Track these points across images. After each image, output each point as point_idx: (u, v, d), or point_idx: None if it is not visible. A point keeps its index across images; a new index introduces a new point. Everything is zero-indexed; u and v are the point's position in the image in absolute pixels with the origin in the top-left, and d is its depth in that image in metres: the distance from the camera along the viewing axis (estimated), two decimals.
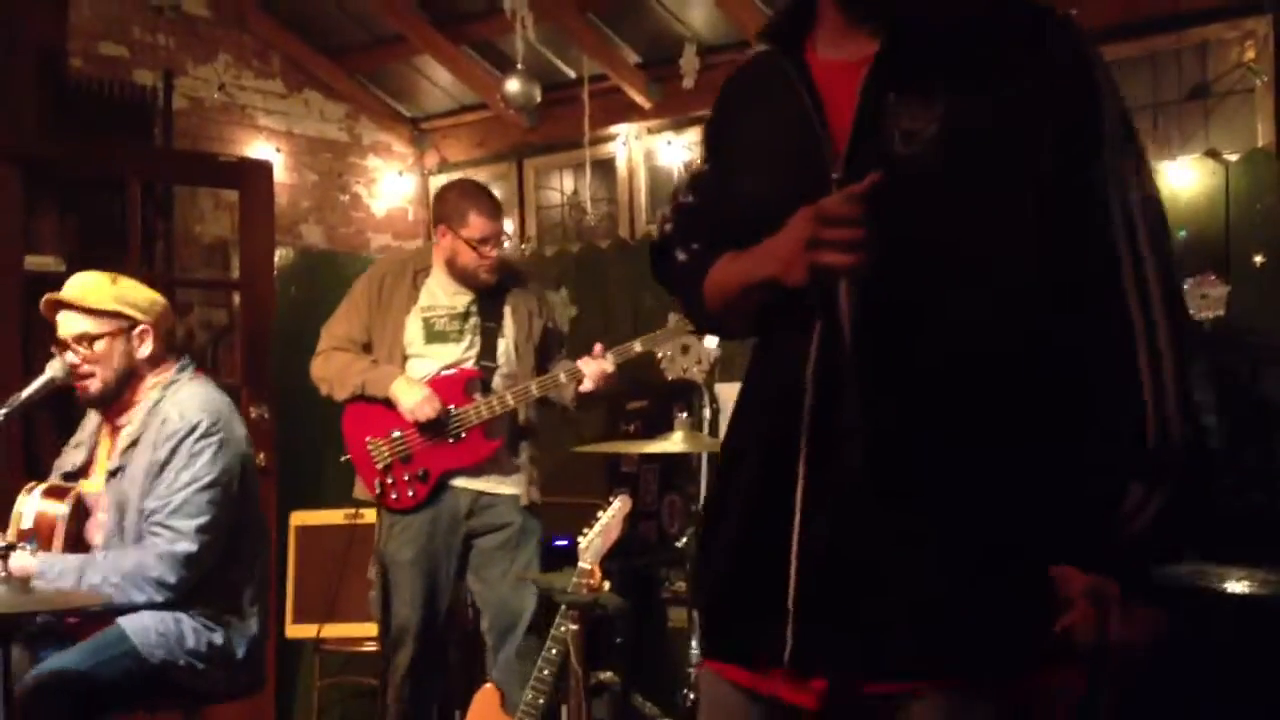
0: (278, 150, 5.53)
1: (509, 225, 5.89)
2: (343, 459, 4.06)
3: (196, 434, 3.02)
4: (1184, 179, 4.16)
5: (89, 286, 3.13)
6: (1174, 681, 2.52)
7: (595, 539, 3.39)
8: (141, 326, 3.13)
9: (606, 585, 3.35)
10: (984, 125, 1.48)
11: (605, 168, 5.70)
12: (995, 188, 1.50)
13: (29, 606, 2.53)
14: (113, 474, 3.09)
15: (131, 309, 3.13)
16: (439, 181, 6.10)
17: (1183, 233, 4.14)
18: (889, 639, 1.46)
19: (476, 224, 3.95)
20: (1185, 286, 4.02)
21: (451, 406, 3.89)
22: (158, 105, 5.18)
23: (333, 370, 4.04)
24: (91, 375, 3.08)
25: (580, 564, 3.37)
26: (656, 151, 5.52)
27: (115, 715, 2.97)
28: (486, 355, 4.00)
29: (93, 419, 3.30)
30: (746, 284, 1.57)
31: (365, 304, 4.08)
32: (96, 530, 3.12)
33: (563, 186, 5.95)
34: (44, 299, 3.15)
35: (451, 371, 3.96)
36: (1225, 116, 4.34)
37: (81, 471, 3.24)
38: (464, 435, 3.90)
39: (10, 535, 2.96)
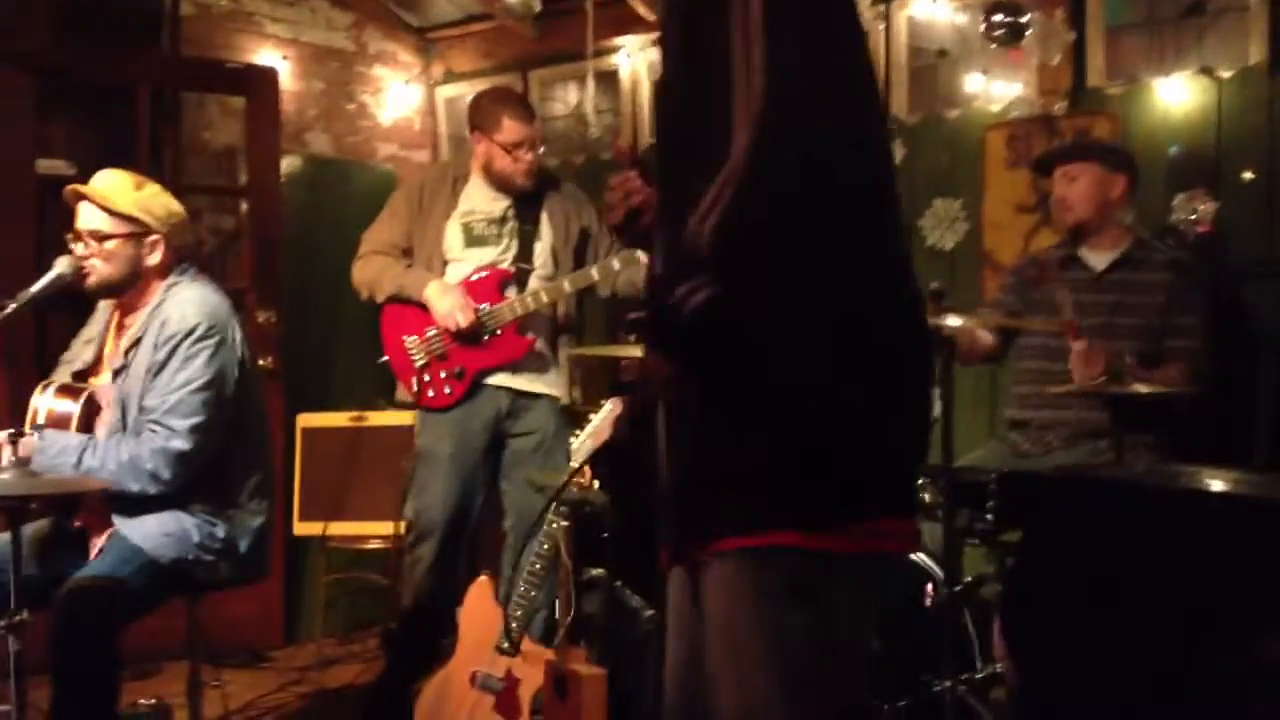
0: (284, 58, 5.57)
1: None
2: (381, 360, 4.15)
3: (194, 337, 3.11)
4: (1177, 96, 4.21)
5: (113, 186, 3.21)
6: (1150, 580, 2.61)
7: (586, 440, 3.47)
8: (154, 236, 3.21)
9: (595, 485, 3.46)
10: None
11: (609, 80, 5.74)
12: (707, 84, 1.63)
13: (35, 489, 2.65)
14: (116, 373, 3.20)
15: (148, 216, 3.20)
16: (445, 92, 6.15)
17: (1174, 149, 4.19)
18: (673, 523, 1.76)
19: (510, 128, 4.01)
20: (1175, 201, 4.09)
21: (485, 305, 3.98)
22: (165, 12, 5.22)
23: (370, 274, 4.13)
24: (93, 269, 3.17)
25: (571, 463, 3.47)
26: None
27: (140, 615, 3.09)
28: (523, 257, 4.07)
29: (101, 316, 3.40)
30: None
31: (406, 211, 4.15)
32: (103, 426, 3.24)
33: (567, 99, 5.99)
34: (68, 188, 3.22)
35: (486, 273, 4.03)
36: (1219, 34, 4.36)
37: (91, 369, 3.36)
38: (499, 333, 3.99)
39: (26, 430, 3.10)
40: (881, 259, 1.67)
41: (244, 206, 5.37)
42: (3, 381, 4.35)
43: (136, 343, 3.17)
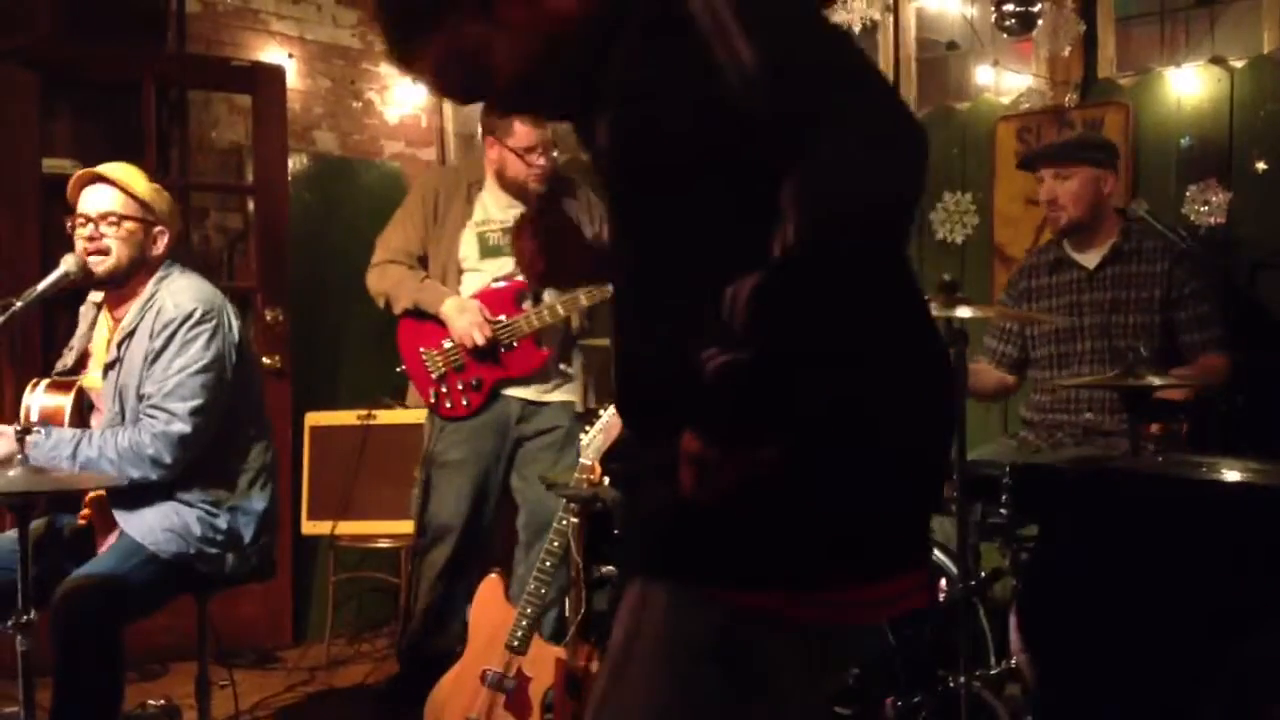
0: (290, 56, 5.55)
1: None
2: (399, 369, 4.15)
3: (190, 321, 3.13)
4: (1189, 86, 4.17)
5: (130, 172, 3.27)
6: (1168, 572, 2.58)
7: (596, 436, 3.46)
8: (160, 227, 3.26)
9: (605, 481, 3.44)
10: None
11: None
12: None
13: (44, 486, 2.64)
14: (110, 366, 3.20)
15: (157, 208, 3.26)
16: None
17: (1186, 140, 4.16)
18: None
19: (522, 132, 3.97)
20: (1187, 193, 4.06)
21: (502, 317, 3.97)
22: (171, 10, 5.20)
23: (388, 285, 4.12)
24: (106, 253, 3.18)
25: (581, 460, 3.45)
26: None
27: (143, 613, 3.08)
28: None
29: (85, 319, 3.42)
30: None
31: (420, 218, 4.13)
32: (99, 423, 3.23)
33: None
34: (81, 172, 3.25)
35: (502, 284, 4.01)
36: (1231, 23, 4.33)
37: (78, 367, 3.36)
38: (515, 345, 3.98)
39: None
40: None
41: (251, 205, 5.36)
42: (9, 380, 4.35)
43: (130, 335, 3.17)
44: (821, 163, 1.38)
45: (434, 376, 4.04)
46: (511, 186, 4.05)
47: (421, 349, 4.05)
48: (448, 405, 4.04)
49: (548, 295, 4.01)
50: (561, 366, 4.11)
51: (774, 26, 1.44)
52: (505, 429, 4.07)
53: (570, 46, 1.60)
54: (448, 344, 4.00)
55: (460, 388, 4.02)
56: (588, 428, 3.49)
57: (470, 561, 4.09)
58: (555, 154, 4.13)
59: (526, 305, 4.00)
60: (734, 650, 1.49)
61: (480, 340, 3.92)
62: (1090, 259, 3.80)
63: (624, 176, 1.62)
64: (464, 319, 3.94)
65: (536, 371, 4.04)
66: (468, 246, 4.06)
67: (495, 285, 4.01)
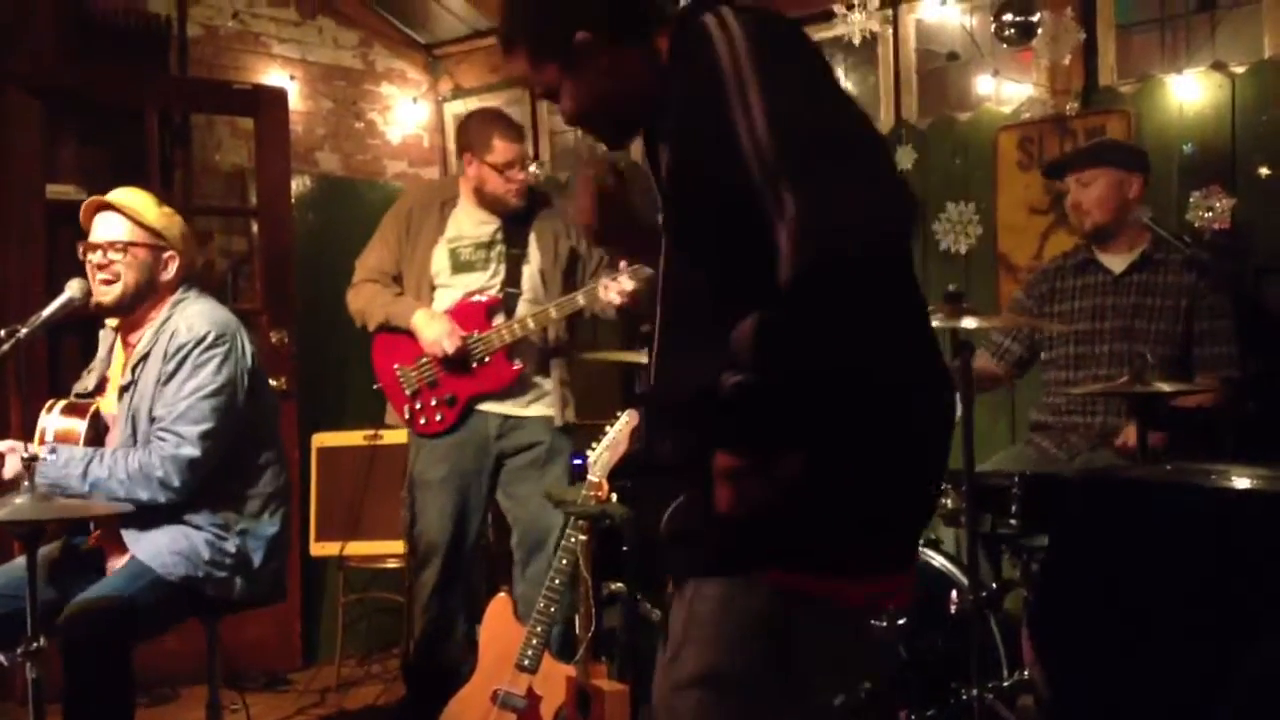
0: (292, 78, 5.57)
1: None
2: (375, 387, 4.15)
3: (203, 345, 3.13)
4: (1191, 92, 4.17)
5: (139, 199, 3.28)
6: (1180, 581, 2.58)
7: (603, 453, 3.46)
8: (170, 252, 3.26)
9: (614, 497, 3.43)
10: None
11: None
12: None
13: (52, 514, 2.63)
14: (125, 389, 3.20)
15: (168, 233, 3.26)
16: (454, 108, 6.14)
17: (1188, 146, 4.16)
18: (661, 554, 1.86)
19: (500, 148, 3.98)
20: (1191, 199, 4.05)
21: (474, 333, 3.96)
22: (172, 34, 5.22)
23: (362, 303, 4.13)
24: (114, 280, 3.18)
25: (589, 476, 3.45)
26: None
27: (151, 635, 3.08)
28: (511, 282, 4.04)
29: (105, 343, 3.42)
30: None
31: (394, 236, 4.14)
32: (111, 444, 3.23)
33: None
34: (91, 199, 3.25)
35: (474, 299, 4.01)
36: (1232, 29, 4.33)
37: (97, 391, 3.36)
38: (487, 360, 3.97)
39: (34, 450, 3.09)
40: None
41: (255, 227, 5.37)
42: (16, 405, 4.34)
43: (144, 358, 3.18)
44: (809, 207, 1.56)
45: (408, 392, 4.03)
46: (488, 201, 4.05)
47: (396, 365, 4.05)
48: (422, 421, 4.04)
49: (520, 308, 4.02)
50: (537, 380, 4.10)
51: (788, 90, 1.63)
52: (485, 445, 4.05)
53: (625, 102, 1.86)
54: (421, 359, 4.00)
55: (434, 403, 4.01)
56: (594, 444, 3.49)
57: (462, 578, 4.09)
58: (533, 168, 4.15)
59: (498, 320, 4.00)
60: (778, 625, 1.70)
61: (449, 349, 3.91)
62: (1117, 263, 3.82)
63: (676, 210, 1.80)
64: (433, 329, 3.94)
65: (509, 386, 4.02)
66: (439, 262, 4.06)
67: (467, 301, 4.01)
